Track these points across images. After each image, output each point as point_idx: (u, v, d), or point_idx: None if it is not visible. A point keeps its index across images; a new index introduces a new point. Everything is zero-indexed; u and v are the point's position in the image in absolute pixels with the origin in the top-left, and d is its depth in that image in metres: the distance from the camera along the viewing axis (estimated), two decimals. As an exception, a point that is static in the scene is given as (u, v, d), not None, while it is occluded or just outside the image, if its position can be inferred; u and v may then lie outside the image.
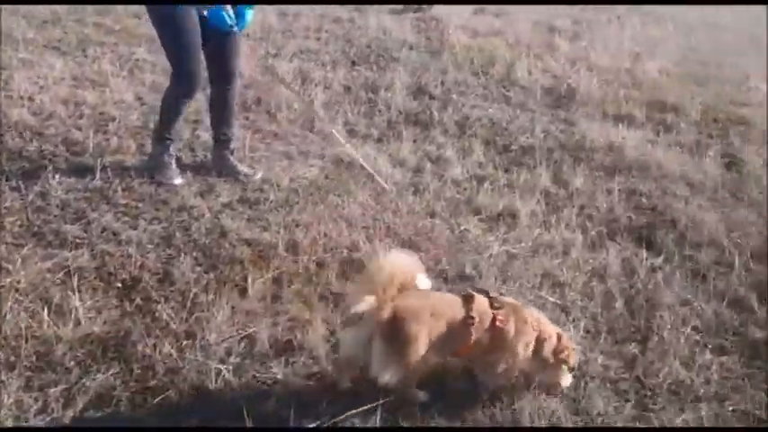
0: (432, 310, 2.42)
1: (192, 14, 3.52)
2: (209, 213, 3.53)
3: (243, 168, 4.00)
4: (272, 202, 3.72)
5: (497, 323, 2.48)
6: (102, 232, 3.28)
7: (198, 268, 3.12)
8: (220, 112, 3.94)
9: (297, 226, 3.50)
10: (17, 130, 4.14)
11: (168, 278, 3.01)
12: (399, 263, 2.43)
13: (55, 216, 3.36)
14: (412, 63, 6.25)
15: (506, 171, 4.47)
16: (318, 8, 7.82)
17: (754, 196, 4.31)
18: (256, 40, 6.37)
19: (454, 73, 6.04)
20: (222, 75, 3.80)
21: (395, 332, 2.32)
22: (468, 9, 8.43)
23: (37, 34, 5.90)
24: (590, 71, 6.41)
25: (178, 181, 3.81)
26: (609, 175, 4.48)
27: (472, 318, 2.45)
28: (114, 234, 3.28)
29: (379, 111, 5.18)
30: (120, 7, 6.94)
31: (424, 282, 2.49)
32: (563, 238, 3.70)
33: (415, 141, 4.75)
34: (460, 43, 6.86)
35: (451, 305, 2.49)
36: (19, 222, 3.27)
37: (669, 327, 3.10)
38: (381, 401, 2.38)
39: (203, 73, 3.71)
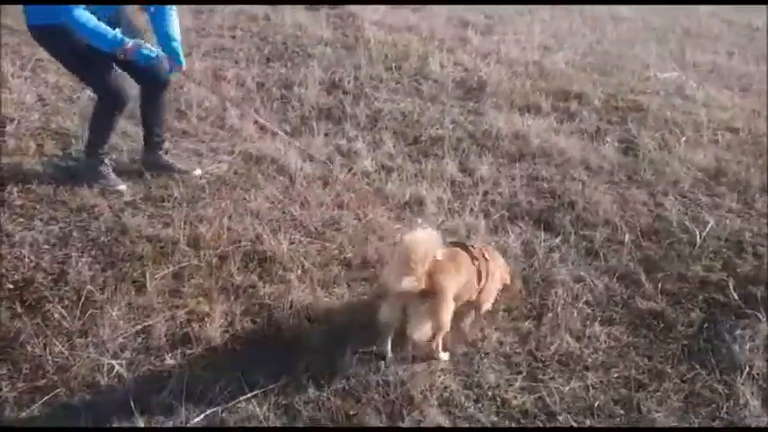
0: (455, 264, 2.73)
1: None
2: (109, 212, 3.47)
3: (180, 165, 3.97)
4: (176, 198, 3.69)
5: (487, 259, 2.90)
6: (-11, 235, 3.19)
7: (96, 266, 3.07)
8: (156, 112, 3.89)
9: (201, 221, 3.47)
10: None
11: (63, 278, 2.95)
12: (428, 239, 2.56)
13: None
14: (327, 59, 6.27)
15: (415, 161, 4.55)
16: (234, 6, 7.76)
17: (648, 178, 4.52)
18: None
19: (368, 68, 6.09)
20: (161, 80, 3.73)
21: (430, 290, 2.54)
22: (383, 5, 8.52)
23: (-68, 36, 5.65)
24: (500, 64, 6.58)
25: (122, 187, 3.72)
26: (513, 163, 4.62)
27: (477, 260, 2.83)
28: (8, 236, 3.19)
29: (293, 107, 5.20)
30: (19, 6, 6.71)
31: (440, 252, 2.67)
32: (467, 223, 3.81)
33: (326, 135, 4.79)
34: (375, 38, 6.92)
35: (462, 255, 2.82)
36: None
37: (563, 302, 3.23)
38: (273, 386, 2.41)
39: (128, 82, 3.58)
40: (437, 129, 5.05)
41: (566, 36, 7.87)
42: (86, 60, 3.44)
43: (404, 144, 4.82)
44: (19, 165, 3.84)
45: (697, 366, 2.93)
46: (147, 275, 2.97)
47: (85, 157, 3.77)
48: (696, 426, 2.66)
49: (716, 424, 2.70)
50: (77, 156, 3.97)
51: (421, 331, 2.59)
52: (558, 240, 3.76)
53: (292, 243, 3.38)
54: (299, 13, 7.61)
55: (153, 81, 3.73)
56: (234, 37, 6.75)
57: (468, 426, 2.51)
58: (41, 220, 3.35)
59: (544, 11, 9.12)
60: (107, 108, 3.62)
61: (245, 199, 3.78)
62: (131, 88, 3.62)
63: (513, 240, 3.69)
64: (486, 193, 4.18)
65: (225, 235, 3.37)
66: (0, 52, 5.28)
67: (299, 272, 3.17)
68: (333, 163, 4.31)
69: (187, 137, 4.56)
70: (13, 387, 2.38)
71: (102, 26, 3.29)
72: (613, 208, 4.09)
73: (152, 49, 3.44)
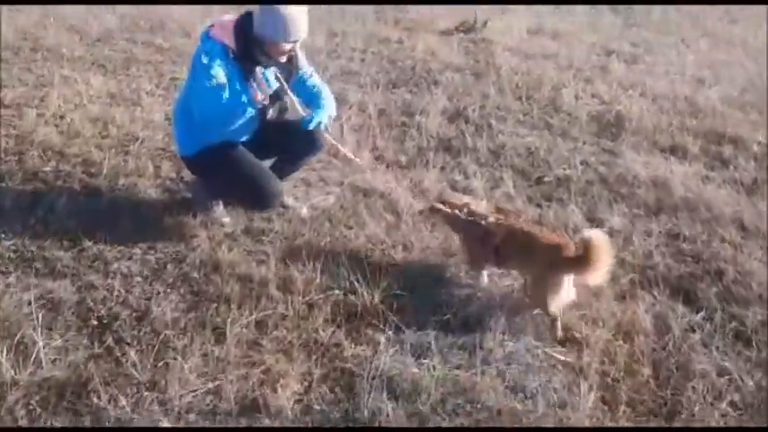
0: None
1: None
2: (207, 244, 3.27)
3: (289, 200, 3.73)
4: (276, 233, 3.43)
5: None
6: (93, 261, 3.08)
7: (181, 305, 2.85)
8: (295, 167, 3.71)
9: (296, 260, 3.18)
10: (40, 150, 4.04)
11: (146, 317, 2.75)
12: None
13: (51, 241, 3.18)
14: (454, 86, 5.86)
15: (536, 205, 4.02)
16: (368, 28, 7.57)
17: (819, 245, 3.69)
18: (300, 60, 6.14)
19: (496, 97, 5.61)
20: (307, 142, 3.51)
21: None
22: (524, 30, 7.97)
23: (86, 52, 5.88)
24: (644, 97, 5.85)
25: (225, 219, 3.53)
26: (650, 215, 3.95)
27: None
28: (105, 264, 3.07)
29: (411, 136, 4.83)
30: (172, 26, 6.91)
31: None
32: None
33: (443, 169, 4.37)
34: (508, 65, 6.43)
35: None
36: (14, 248, 3.11)
37: (701, 401, 2.60)
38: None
39: (278, 181, 3.46)
40: (564, 169, 4.48)
41: (723, 68, 6.90)
42: (231, 169, 3.33)
43: (525, 184, 4.30)
44: (134, 186, 3.76)
45: None
46: (229, 322, 2.70)
47: (197, 190, 3.61)
48: None
49: None
50: (189, 180, 3.83)
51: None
52: (699, 317, 3.09)
53: (387, 296, 2.99)
54: (432, 37, 7.27)
55: (308, 147, 3.57)
56: (363, 60, 6.51)
57: None
58: (141, 248, 3.20)
59: (699, 39, 8.15)
60: (247, 204, 3.52)
61: (345, 237, 3.46)
62: (278, 191, 3.45)
63: (643, 311, 3.07)
64: (615, 249, 3.57)
65: (317, 280, 3.05)
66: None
67: (390, 332, 2.77)
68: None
69: (300, 164, 4.32)
70: (71, 442, 2.18)
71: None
72: (772, 281, 3.34)
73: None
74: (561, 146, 4.84)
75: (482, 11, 8.19)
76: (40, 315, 2.62)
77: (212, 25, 3.26)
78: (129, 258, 3.12)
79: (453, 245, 3.43)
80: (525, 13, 8.89)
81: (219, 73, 3.12)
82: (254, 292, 2.95)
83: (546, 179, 4.35)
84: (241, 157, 3.34)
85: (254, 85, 3.15)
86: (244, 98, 3.21)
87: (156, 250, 3.20)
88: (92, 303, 2.80)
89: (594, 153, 4.77)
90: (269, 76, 3.17)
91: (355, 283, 3.00)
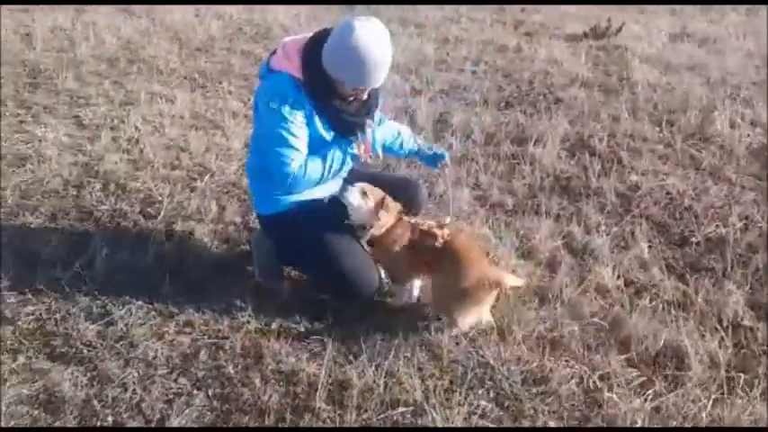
0: None
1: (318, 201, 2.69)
2: (254, 323, 2.58)
3: None
4: (336, 311, 2.68)
5: None
6: (118, 341, 2.48)
7: (206, 416, 2.19)
8: None
9: (357, 356, 2.43)
10: (102, 182, 3.57)
11: (158, 433, 2.11)
12: None
13: (78, 309, 2.63)
14: (578, 106, 4.85)
15: (679, 279, 3.00)
16: (486, 34, 6.65)
17: None
18: (404, 73, 5.38)
19: (629, 121, 4.54)
20: (410, 201, 2.84)
21: None
22: (664, 35, 6.71)
23: (181, 64, 5.45)
24: (822, 126, 4.53)
25: (286, 287, 2.84)
26: (842, 307, 2.82)
27: None
28: (132, 345, 2.47)
29: (522, 171, 3.92)
30: (278, 31, 6.40)
31: None
32: (753, 419, 2.23)
33: (558, 218, 3.45)
34: (645, 80, 5.29)
35: None
36: (34, 316, 2.59)
37: None
38: None
39: (376, 268, 2.69)
40: (717, 226, 3.39)
41: None
42: (326, 247, 2.61)
43: (664, 245, 3.28)
44: (191, 234, 3.17)
45: None
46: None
47: (261, 245, 2.91)
48: None
49: None
50: (254, 226, 3.20)
51: None
52: None
53: (470, 420, 2.17)
54: (556, 44, 6.23)
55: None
56: (475, 72, 5.62)
57: None
58: (177, 323, 2.58)
59: None
60: (331, 293, 2.73)
61: (424, 320, 2.65)
62: (376, 284, 2.66)
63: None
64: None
65: (380, 388, 2.28)
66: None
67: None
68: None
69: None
70: None
71: (317, 163, 2.55)
72: None
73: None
74: (713, 191, 3.73)
75: (617, 11, 7.03)
76: (34, 417, 2.05)
77: (274, 52, 2.57)
78: (160, 338, 2.50)
79: (567, 333, 2.54)
80: (667, 14, 7.57)
81: (298, 114, 2.46)
82: (297, 402, 2.24)
83: (692, 240, 3.30)
84: (333, 234, 2.61)
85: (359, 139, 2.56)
86: (326, 137, 2.55)
87: (194, 327, 2.57)
88: (99, 406, 2.20)
89: (757, 203, 3.63)
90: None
91: (425, 402, 2.20)
